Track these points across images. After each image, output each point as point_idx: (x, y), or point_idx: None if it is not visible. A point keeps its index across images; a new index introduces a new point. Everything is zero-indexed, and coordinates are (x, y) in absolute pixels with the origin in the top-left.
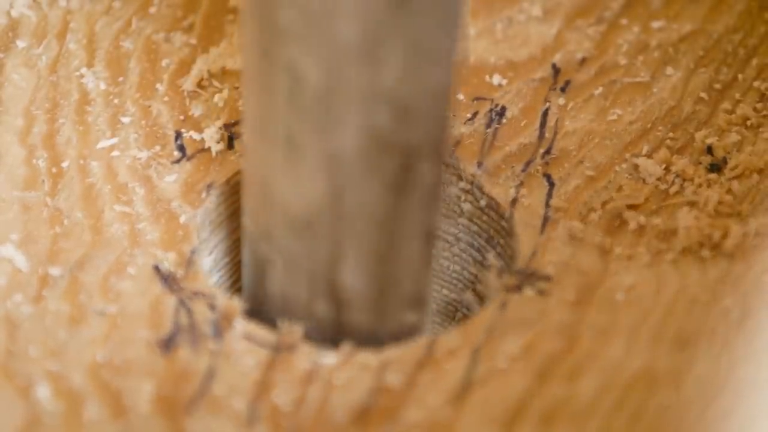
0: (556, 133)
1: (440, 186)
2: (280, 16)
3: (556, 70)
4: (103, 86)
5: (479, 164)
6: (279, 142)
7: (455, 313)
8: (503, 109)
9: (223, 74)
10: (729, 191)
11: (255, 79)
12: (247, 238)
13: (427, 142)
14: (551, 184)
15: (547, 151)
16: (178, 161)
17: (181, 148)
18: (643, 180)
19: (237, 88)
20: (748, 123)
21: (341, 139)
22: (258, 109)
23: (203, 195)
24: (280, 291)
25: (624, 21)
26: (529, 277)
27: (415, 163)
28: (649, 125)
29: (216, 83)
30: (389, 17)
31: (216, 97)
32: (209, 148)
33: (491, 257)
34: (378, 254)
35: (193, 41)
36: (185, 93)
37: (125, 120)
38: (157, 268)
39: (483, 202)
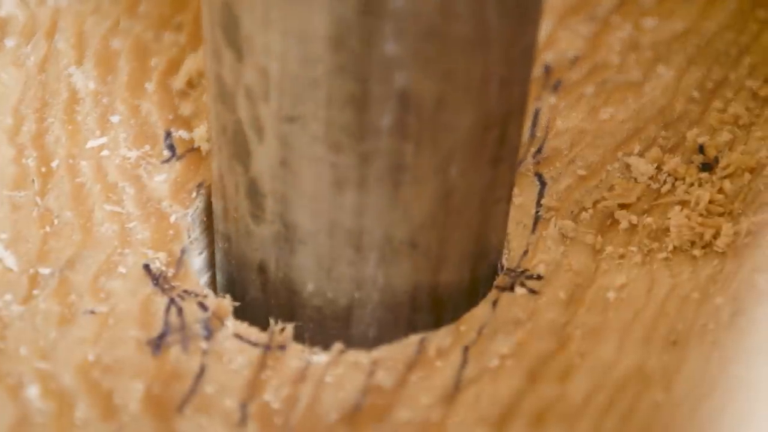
0: (547, 133)
1: (519, 144)
2: (384, 52)
3: (547, 69)
4: (92, 85)
5: None
6: (381, 180)
7: None
8: None
9: None
10: (720, 190)
11: (336, 142)
12: (306, 298)
13: (517, 106)
14: (543, 184)
15: (539, 151)
16: (167, 160)
17: (171, 148)
18: (635, 179)
19: None
20: (740, 122)
21: (454, 139)
22: (344, 164)
23: (193, 194)
24: (376, 323)
25: (616, 19)
26: (521, 276)
27: (508, 130)
28: (640, 124)
29: (206, 82)
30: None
31: (205, 96)
32: (199, 148)
33: None
34: (477, 234)
35: (182, 40)
36: (174, 92)
37: (114, 119)
38: (147, 268)
39: None
